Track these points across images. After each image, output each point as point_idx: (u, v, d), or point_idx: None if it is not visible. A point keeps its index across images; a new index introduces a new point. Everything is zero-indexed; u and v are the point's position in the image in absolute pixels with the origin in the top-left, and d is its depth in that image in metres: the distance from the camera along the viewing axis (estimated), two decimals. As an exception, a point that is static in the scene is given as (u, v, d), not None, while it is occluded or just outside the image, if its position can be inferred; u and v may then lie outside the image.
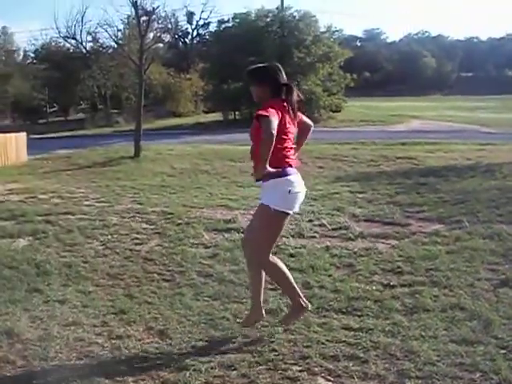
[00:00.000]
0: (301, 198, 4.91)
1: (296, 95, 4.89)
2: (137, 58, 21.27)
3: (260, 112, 4.55)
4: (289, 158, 4.80)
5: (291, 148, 4.88)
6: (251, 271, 5.14)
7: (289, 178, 4.74)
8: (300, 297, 5.00)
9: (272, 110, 4.55)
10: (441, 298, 5.70)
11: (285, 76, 4.99)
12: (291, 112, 4.84)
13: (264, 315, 5.10)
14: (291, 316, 5.03)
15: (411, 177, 13.69)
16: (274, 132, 4.44)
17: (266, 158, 4.48)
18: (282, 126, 4.66)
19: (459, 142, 22.15)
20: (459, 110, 49.40)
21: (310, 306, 5.09)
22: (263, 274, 5.04)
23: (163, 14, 29.79)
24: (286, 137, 4.76)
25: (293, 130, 4.90)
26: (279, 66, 5.05)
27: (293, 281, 5.05)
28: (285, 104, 4.80)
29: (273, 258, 4.99)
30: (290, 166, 4.80)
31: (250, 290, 5.28)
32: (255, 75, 5.01)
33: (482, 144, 21.31)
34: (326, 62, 38.59)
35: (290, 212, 4.88)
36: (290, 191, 4.72)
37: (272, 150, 4.48)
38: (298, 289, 5.06)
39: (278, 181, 4.70)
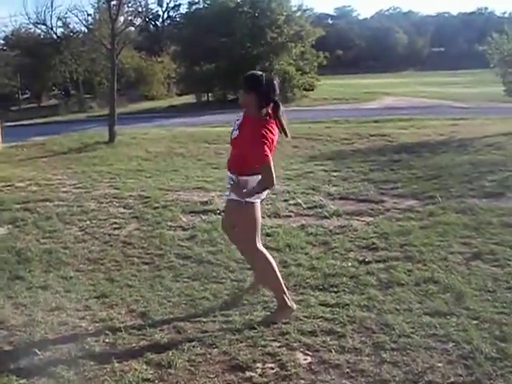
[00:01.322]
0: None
1: (281, 112, 4.90)
2: (108, 42, 21.13)
3: (265, 153, 4.62)
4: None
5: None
6: (258, 267, 5.24)
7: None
8: (285, 294, 5.04)
9: (269, 146, 4.70)
10: (414, 272, 5.87)
11: (278, 90, 4.90)
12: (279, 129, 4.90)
13: (294, 306, 5.02)
14: (277, 315, 4.98)
15: (385, 154, 13.85)
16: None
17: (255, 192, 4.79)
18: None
19: (432, 118, 22.31)
20: (432, 85, 49.60)
21: (295, 306, 5.04)
22: (271, 262, 5.08)
23: (134, -3, 29.57)
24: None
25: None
26: (276, 79, 4.98)
27: (280, 277, 5.11)
28: (276, 124, 4.85)
29: (260, 248, 5.11)
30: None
31: (269, 287, 5.30)
32: (248, 82, 4.93)
33: (455, 119, 21.50)
34: (298, 41, 38.51)
35: (258, 201, 5.03)
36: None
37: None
38: (284, 286, 5.10)
39: (252, 179, 4.85)
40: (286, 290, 5.09)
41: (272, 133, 4.77)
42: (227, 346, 4.44)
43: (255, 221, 5.03)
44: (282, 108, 4.90)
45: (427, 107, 28.64)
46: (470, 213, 7.99)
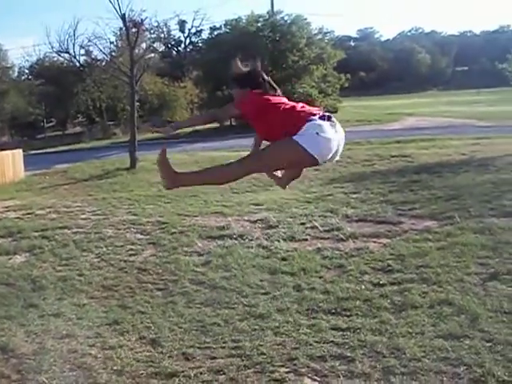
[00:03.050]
0: (334, 148, 4.02)
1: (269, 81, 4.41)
2: (128, 69, 21.34)
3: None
4: (305, 112, 4.04)
5: (303, 107, 4.10)
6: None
7: (315, 122, 3.89)
8: None
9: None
10: (429, 294, 5.78)
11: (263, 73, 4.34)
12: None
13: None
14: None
15: (405, 174, 13.75)
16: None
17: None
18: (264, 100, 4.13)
19: (454, 138, 22.14)
20: (455, 104, 49.42)
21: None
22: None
23: (155, 24, 29.89)
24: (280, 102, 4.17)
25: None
26: (262, 72, 4.81)
27: None
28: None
29: None
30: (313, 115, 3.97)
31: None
32: (239, 80, 4.82)
33: (477, 138, 21.31)
34: (320, 63, 38.64)
35: (318, 159, 3.95)
36: (317, 133, 3.86)
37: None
38: None
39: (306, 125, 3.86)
40: None
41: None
42: (235, 372, 4.41)
43: (289, 159, 3.95)
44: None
45: (449, 127, 28.49)
46: (489, 233, 7.87)
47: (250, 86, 4.29)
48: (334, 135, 3.96)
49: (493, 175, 12.58)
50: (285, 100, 4.19)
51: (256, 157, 4.21)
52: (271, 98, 4.20)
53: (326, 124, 3.93)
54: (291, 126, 3.91)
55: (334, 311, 5.52)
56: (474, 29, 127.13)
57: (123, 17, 20.54)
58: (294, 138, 3.86)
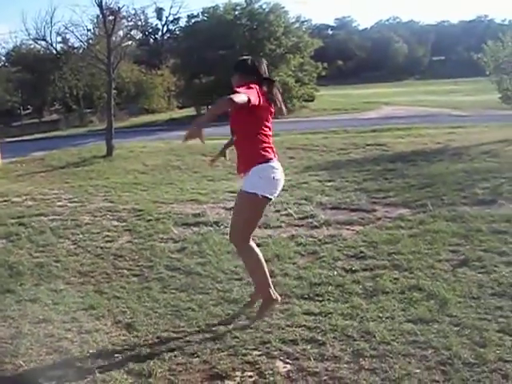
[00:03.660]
0: (281, 184, 5.15)
1: (277, 90, 5.08)
2: (105, 57, 21.31)
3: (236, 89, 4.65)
4: (271, 146, 5.03)
5: (270, 135, 5.08)
6: (245, 259, 5.26)
7: (272, 164, 4.98)
8: (270, 287, 5.18)
9: (251, 90, 4.73)
10: (400, 280, 5.89)
11: (266, 69, 5.19)
12: (271, 102, 5.02)
13: (279, 298, 5.26)
14: (263, 309, 5.18)
15: (380, 163, 13.91)
16: (242, 98, 4.49)
17: (213, 113, 4.50)
18: (261, 109, 4.87)
19: (430, 127, 22.41)
20: (432, 94, 49.77)
21: (279, 298, 5.26)
22: (259, 256, 5.16)
23: (132, 12, 29.86)
24: (267, 123, 5.02)
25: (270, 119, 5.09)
26: (263, 60, 5.28)
27: (267, 272, 5.22)
28: (264, 91, 4.94)
29: (252, 245, 5.18)
30: (273, 153, 5.04)
31: (253, 281, 5.39)
32: (238, 65, 5.20)
33: (453, 127, 21.61)
34: (297, 52, 38.79)
35: (272, 197, 5.10)
36: (273, 177, 4.97)
37: (255, 138, 4.94)
38: (269, 280, 5.22)
39: (262, 167, 4.92)
40: (271, 284, 5.21)
41: (251, 88, 4.78)
42: (208, 355, 4.49)
43: (258, 216, 5.20)
44: (276, 85, 5.10)
45: (426, 116, 28.78)
46: (460, 220, 8.00)
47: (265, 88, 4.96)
48: (282, 175, 5.14)
49: (466, 164, 12.80)
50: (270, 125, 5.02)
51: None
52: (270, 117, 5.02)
53: (278, 165, 5.00)
54: (256, 155, 4.93)
55: (306, 296, 5.60)
56: (451, 18, 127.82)
57: (100, 4, 20.53)
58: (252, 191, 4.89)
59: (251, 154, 4.96)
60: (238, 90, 4.62)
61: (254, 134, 4.95)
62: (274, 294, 5.17)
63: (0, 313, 5.69)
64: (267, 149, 4.98)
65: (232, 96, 4.40)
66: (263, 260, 5.19)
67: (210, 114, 4.50)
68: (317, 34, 59.71)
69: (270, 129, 5.04)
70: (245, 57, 5.30)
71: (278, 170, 5.01)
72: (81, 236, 8.62)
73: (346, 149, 17.17)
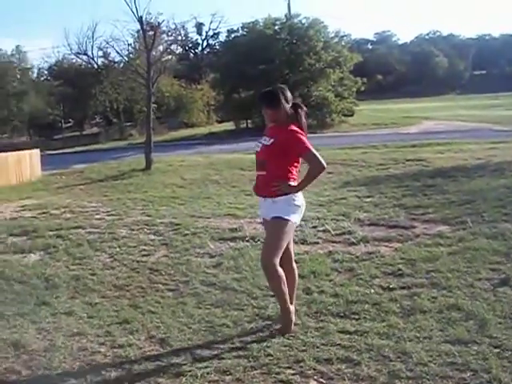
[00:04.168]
0: (303, 210, 5.41)
1: (304, 114, 5.36)
2: (144, 71, 21.52)
3: (306, 145, 5.09)
4: (297, 175, 5.31)
5: (299, 163, 5.35)
6: (273, 282, 5.28)
7: (298, 194, 5.26)
8: (292, 312, 5.31)
9: (304, 139, 5.14)
10: (439, 299, 5.76)
11: (290, 97, 5.34)
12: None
13: (293, 317, 5.34)
14: (281, 330, 5.26)
15: (419, 179, 13.71)
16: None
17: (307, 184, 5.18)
18: None
19: (471, 142, 22.04)
20: (472, 108, 49.21)
21: (294, 318, 5.32)
22: (284, 280, 5.24)
23: (173, 26, 30.08)
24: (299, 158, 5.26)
25: None
26: (284, 87, 5.41)
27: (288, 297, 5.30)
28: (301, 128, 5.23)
29: (280, 269, 5.22)
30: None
31: (279, 302, 5.38)
32: (268, 99, 5.27)
33: (494, 142, 21.20)
34: (336, 67, 38.64)
35: (297, 222, 5.35)
36: (301, 204, 5.31)
37: (290, 167, 5.19)
38: (288, 299, 5.30)
39: (294, 195, 5.18)
40: (293, 309, 5.36)
41: (302, 134, 5.17)
42: (241, 373, 4.43)
43: (287, 240, 5.29)
44: (304, 110, 5.36)
45: (466, 131, 28.38)
46: (501, 238, 7.82)
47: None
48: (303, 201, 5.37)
49: (508, 180, 12.52)
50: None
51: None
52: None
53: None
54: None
55: (342, 314, 5.52)
56: (492, 32, 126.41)
57: (140, 20, 20.73)
58: (286, 217, 5.14)
59: (282, 182, 5.15)
60: (308, 146, 5.09)
61: (288, 165, 5.21)
62: (292, 315, 5.32)
63: (35, 325, 5.72)
64: (296, 178, 5.25)
65: (323, 163, 5.07)
66: (285, 280, 5.26)
67: (307, 185, 5.18)
68: (356, 49, 59.58)
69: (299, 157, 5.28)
70: (270, 89, 5.34)
71: (302, 197, 5.32)
72: (117, 249, 8.67)
73: (385, 164, 17.00)
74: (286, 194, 5.12)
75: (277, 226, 5.17)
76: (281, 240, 5.17)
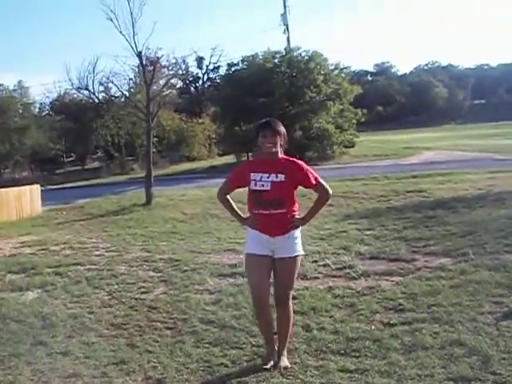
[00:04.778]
0: None
1: None
2: (144, 106, 21.59)
3: (315, 176, 5.28)
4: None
5: None
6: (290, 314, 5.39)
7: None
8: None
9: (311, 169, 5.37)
10: (441, 334, 5.67)
11: None
12: None
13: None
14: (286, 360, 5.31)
15: (420, 210, 13.67)
16: None
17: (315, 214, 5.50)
18: None
19: (471, 172, 22.00)
20: (472, 138, 49.30)
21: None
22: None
23: (173, 61, 30.23)
24: None
25: None
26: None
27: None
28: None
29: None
30: None
31: (287, 334, 5.43)
32: (275, 123, 5.27)
33: (494, 172, 21.17)
34: (337, 99, 38.75)
35: None
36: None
37: (295, 203, 5.29)
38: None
39: (299, 230, 5.33)
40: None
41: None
42: (240, 413, 4.34)
43: None
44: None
45: (467, 160, 28.38)
46: (504, 270, 7.72)
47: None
48: None
49: (509, 210, 12.46)
50: None
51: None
52: None
53: None
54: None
55: (342, 352, 5.43)
56: (490, 62, 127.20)
57: (139, 55, 20.82)
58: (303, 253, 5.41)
59: (292, 218, 5.25)
60: (317, 176, 5.32)
61: (294, 199, 5.29)
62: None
63: (30, 366, 5.63)
64: None
65: (330, 191, 5.35)
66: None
67: (315, 215, 5.46)
68: (356, 81, 59.81)
69: None
70: (271, 119, 5.37)
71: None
72: (116, 287, 8.59)
73: (387, 196, 16.97)
74: (297, 227, 5.25)
75: (298, 263, 5.31)
76: (296, 274, 5.35)
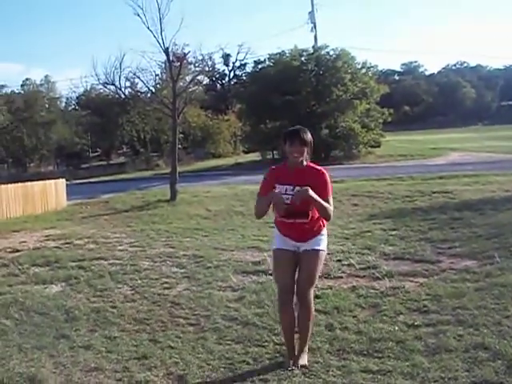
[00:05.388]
0: None
1: None
2: (170, 102, 21.62)
3: (330, 191, 5.31)
4: None
5: None
6: (311, 310, 5.37)
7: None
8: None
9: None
10: (465, 337, 5.60)
11: None
12: None
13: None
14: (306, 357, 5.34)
15: (446, 211, 13.55)
16: None
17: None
18: None
19: (499, 174, 21.77)
20: (500, 139, 48.75)
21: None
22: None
23: (200, 57, 30.20)
24: None
25: None
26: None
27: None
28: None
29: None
30: None
31: (308, 331, 5.41)
32: (305, 133, 5.27)
33: (522, 174, 20.96)
34: (363, 98, 38.53)
35: None
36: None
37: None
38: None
39: (325, 230, 5.48)
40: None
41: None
42: (260, 412, 4.32)
43: None
44: None
45: (494, 162, 28.10)
46: (530, 273, 7.64)
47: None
48: None
49: (537, 213, 12.32)
50: None
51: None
52: None
53: None
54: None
55: (365, 352, 5.38)
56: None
57: (166, 51, 20.86)
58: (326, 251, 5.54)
59: (320, 221, 5.35)
60: (330, 192, 5.34)
61: None
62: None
63: (52, 359, 5.64)
64: None
65: (332, 214, 5.28)
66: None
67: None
68: (383, 80, 59.38)
69: None
70: (299, 127, 5.39)
71: None
72: (139, 282, 8.61)
73: (412, 196, 16.86)
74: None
75: (321, 258, 5.37)
76: (319, 270, 5.41)
